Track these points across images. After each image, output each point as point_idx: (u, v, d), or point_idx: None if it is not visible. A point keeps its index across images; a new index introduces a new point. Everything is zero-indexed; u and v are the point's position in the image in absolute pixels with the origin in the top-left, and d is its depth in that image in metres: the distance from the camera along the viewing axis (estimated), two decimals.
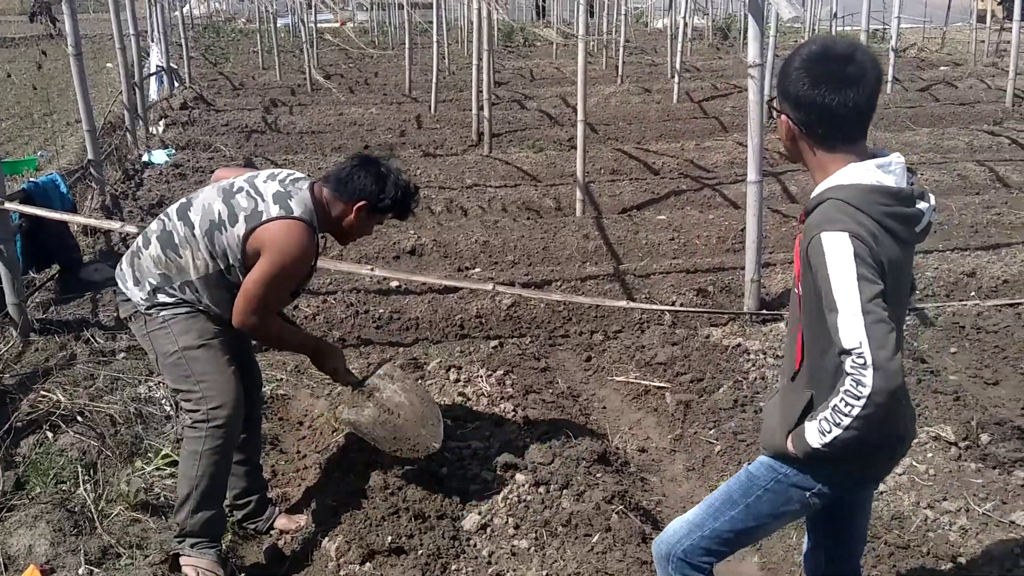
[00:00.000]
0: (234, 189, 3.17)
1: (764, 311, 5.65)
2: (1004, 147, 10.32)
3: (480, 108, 10.43)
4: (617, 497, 3.65)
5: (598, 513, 3.50)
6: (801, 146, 2.21)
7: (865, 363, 1.96)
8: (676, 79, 13.57)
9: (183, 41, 16.56)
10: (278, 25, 19.58)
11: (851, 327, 1.98)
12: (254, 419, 3.65)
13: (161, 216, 3.30)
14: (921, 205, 2.15)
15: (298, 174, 3.31)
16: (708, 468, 4.17)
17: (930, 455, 3.96)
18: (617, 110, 12.88)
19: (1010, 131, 10.87)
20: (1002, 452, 3.98)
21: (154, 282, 3.18)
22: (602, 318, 5.88)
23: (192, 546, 3.20)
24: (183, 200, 3.31)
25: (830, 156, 2.17)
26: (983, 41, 19.47)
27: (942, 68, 17.43)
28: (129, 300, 3.25)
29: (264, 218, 3.07)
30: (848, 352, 1.98)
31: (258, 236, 3.07)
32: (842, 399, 2.01)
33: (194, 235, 3.14)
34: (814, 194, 2.18)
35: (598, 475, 3.82)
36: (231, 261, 3.13)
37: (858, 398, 1.98)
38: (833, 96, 2.08)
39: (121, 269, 3.31)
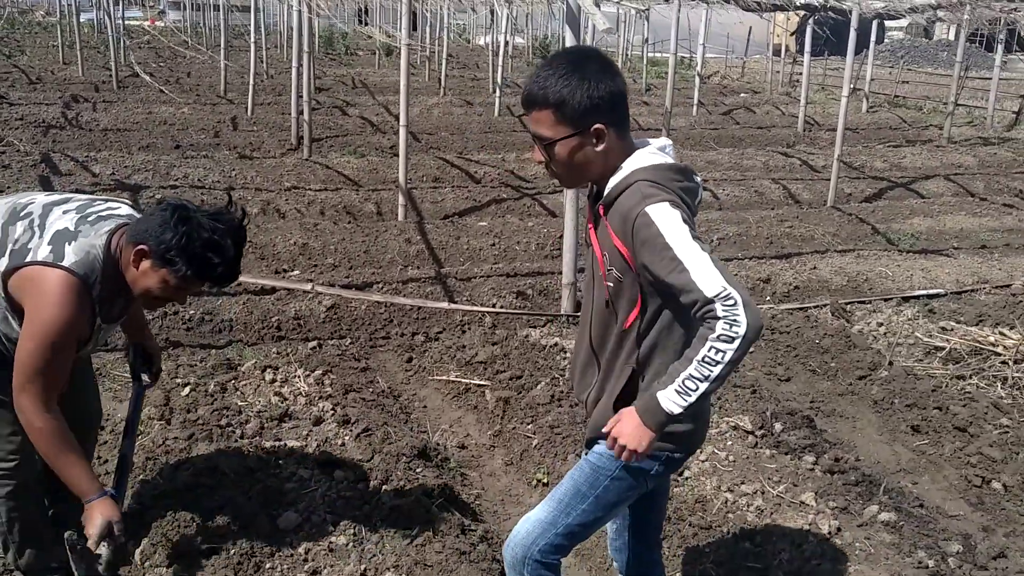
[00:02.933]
0: (22, 213, 2.65)
1: (579, 313, 5.83)
2: (796, 167, 11.20)
3: (300, 112, 10.21)
4: (437, 491, 3.66)
5: (418, 507, 3.49)
6: (595, 151, 2.24)
7: (735, 303, 2.02)
8: (498, 93, 13.83)
9: None
10: (81, 20, 18.40)
11: (709, 276, 2.05)
12: (89, 444, 3.20)
13: None
14: (697, 179, 2.36)
15: (120, 209, 2.75)
16: (526, 461, 4.25)
17: (730, 443, 4.21)
18: (440, 120, 12.97)
19: (801, 153, 11.82)
20: (793, 440, 4.29)
21: None
22: (424, 320, 5.89)
23: None
24: None
25: (622, 145, 2.28)
26: (778, 72, 21.10)
27: (742, 95, 18.73)
28: None
29: (28, 259, 2.52)
30: (714, 299, 2.03)
31: (17, 282, 2.54)
32: (711, 347, 2.04)
33: None
34: (611, 185, 2.27)
35: (418, 471, 3.81)
36: None
37: (732, 339, 2.02)
38: (613, 82, 2.22)
39: None
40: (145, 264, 2.58)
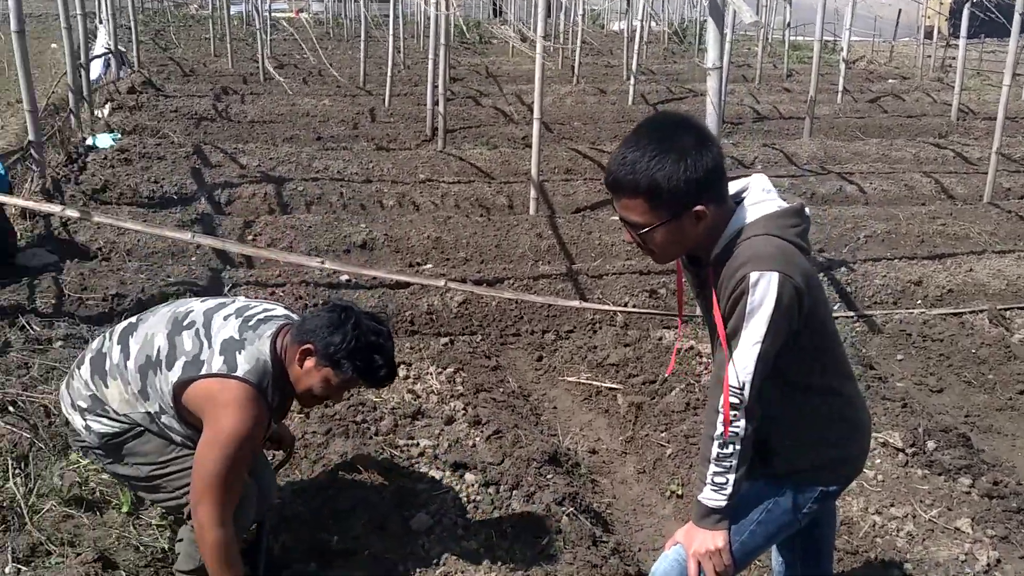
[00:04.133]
0: (184, 323, 2.67)
1: None
2: (949, 160, 10.53)
3: (435, 103, 10.32)
4: (568, 499, 3.61)
5: (548, 515, 3.45)
6: (695, 230, 2.11)
7: (740, 405, 2.10)
8: (632, 81, 13.60)
9: (132, 24, 16.12)
10: (231, 12, 19.20)
11: (743, 367, 2.08)
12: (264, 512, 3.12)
13: (104, 333, 2.88)
14: (807, 211, 2.22)
15: (276, 310, 2.79)
16: (659, 471, 4.15)
17: (879, 461, 3.99)
18: (572, 110, 12.86)
19: (955, 144, 11.10)
20: (947, 459, 4.02)
21: (84, 405, 2.75)
22: (554, 317, 5.85)
23: None
24: (131, 319, 2.85)
25: (723, 211, 2.14)
26: (929, 56, 19.91)
27: (890, 81, 17.77)
28: (72, 428, 2.83)
29: (203, 371, 2.56)
30: (730, 387, 2.09)
31: (194, 394, 2.57)
32: (719, 446, 2.14)
33: (127, 366, 2.68)
34: (717, 252, 2.14)
35: (549, 476, 3.78)
36: (162, 407, 2.65)
37: (735, 439, 2.13)
38: (712, 155, 2.07)
39: (61, 390, 2.92)
40: (309, 363, 2.61)
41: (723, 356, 2.11)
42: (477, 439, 4.02)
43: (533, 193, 7.75)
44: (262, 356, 2.59)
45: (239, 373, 2.53)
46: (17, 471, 3.51)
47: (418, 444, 3.95)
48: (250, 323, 2.66)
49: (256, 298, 2.89)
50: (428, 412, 4.29)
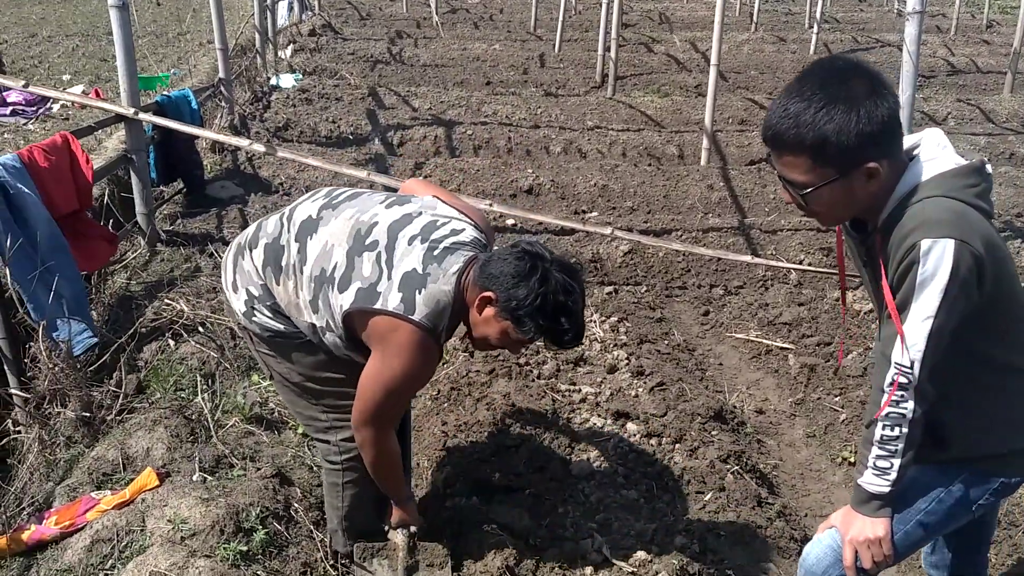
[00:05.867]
0: (367, 241, 2.46)
1: None
2: None
3: (606, 49, 10.12)
4: (733, 457, 3.50)
5: (712, 471, 3.36)
6: (866, 190, 1.90)
7: (908, 385, 1.91)
8: (815, 29, 12.87)
9: None
10: None
11: (914, 342, 1.88)
12: (405, 434, 3.09)
13: (281, 217, 2.65)
14: (989, 168, 1.96)
15: (464, 232, 2.52)
16: (831, 436, 3.96)
17: None
18: (749, 58, 12.32)
19: None
20: None
21: (255, 293, 2.62)
22: (723, 272, 5.66)
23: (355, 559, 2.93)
24: (312, 211, 2.60)
25: (896, 168, 1.92)
26: None
27: None
28: (230, 304, 2.73)
29: (377, 305, 2.36)
30: (898, 365, 1.90)
31: (365, 327, 2.41)
32: (884, 428, 1.96)
33: (302, 270, 2.52)
34: (886, 215, 1.92)
35: (713, 432, 3.67)
36: (329, 324, 2.50)
37: (900, 420, 1.95)
38: (887, 105, 1.84)
39: (225, 261, 2.76)
40: (489, 312, 2.41)
41: (891, 331, 1.90)
42: (640, 389, 3.96)
43: (705, 143, 7.49)
44: (444, 299, 2.38)
45: (416, 317, 2.34)
46: (204, 388, 3.74)
47: (580, 391, 3.92)
48: (435, 252, 2.42)
49: (443, 203, 2.62)
50: (591, 360, 4.25)
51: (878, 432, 1.94)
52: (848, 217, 2.01)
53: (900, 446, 1.94)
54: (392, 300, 2.35)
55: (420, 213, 2.53)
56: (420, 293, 2.36)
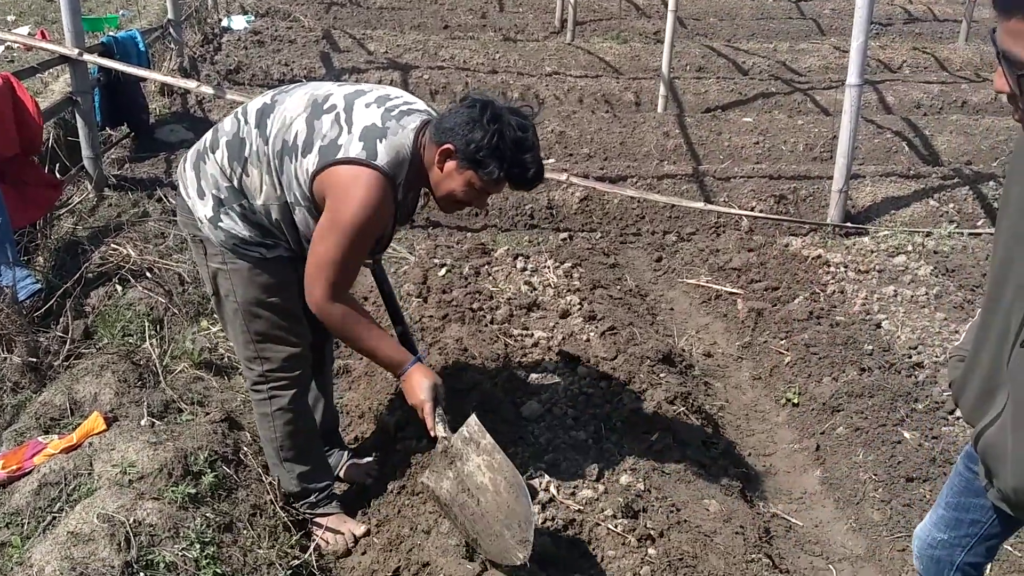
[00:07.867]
0: (325, 106, 2.46)
1: (848, 224, 5.40)
2: None
3: None
4: (680, 398, 3.57)
5: (659, 413, 3.42)
6: None
7: None
8: None
9: None
10: None
11: None
12: (326, 354, 3.17)
13: (236, 115, 2.63)
14: None
15: (418, 104, 2.56)
16: (776, 378, 4.05)
17: None
18: (708, 5, 12.27)
19: None
20: None
21: (222, 196, 2.57)
22: (676, 219, 5.70)
23: (311, 507, 2.96)
24: (266, 99, 2.61)
25: None
26: None
27: None
28: (191, 213, 2.65)
29: (339, 155, 2.36)
30: None
31: (327, 179, 2.39)
32: None
33: (266, 151, 2.50)
34: None
35: (661, 375, 3.73)
36: (297, 197, 2.48)
37: None
38: None
39: (184, 171, 2.71)
40: (450, 165, 2.41)
41: None
42: (591, 334, 4.00)
43: (662, 90, 7.49)
44: (403, 150, 2.40)
45: (377, 162, 2.35)
46: (152, 333, 3.70)
47: (532, 335, 3.96)
48: (392, 113, 2.44)
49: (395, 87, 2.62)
50: (544, 305, 4.28)
51: None
52: None
53: None
54: (354, 148, 2.37)
55: (372, 89, 2.56)
56: (381, 143, 2.37)
